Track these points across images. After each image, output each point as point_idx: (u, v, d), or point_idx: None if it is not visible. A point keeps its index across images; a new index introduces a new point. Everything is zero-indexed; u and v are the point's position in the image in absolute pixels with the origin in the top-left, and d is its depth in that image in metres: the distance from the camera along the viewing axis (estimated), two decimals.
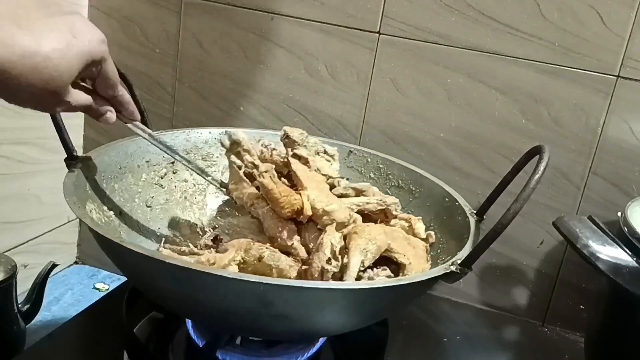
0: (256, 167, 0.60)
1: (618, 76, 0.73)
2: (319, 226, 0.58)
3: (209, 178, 0.65)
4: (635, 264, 0.55)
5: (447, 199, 0.66)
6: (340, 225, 0.58)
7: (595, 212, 0.66)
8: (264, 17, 0.84)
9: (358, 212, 0.63)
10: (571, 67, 0.74)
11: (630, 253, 0.56)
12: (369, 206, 0.63)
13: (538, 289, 0.82)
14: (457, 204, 0.64)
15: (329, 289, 0.45)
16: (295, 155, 0.64)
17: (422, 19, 0.78)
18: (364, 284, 0.50)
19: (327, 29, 0.82)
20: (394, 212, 0.64)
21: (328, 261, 0.52)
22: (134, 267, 0.50)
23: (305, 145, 0.66)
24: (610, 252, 0.56)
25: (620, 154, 0.75)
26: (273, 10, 0.83)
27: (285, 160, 0.65)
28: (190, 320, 0.61)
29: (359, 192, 0.67)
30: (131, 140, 0.66)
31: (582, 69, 0.74)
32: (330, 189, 0.70)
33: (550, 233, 0.79)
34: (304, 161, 0.64)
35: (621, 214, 0.62)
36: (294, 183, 0.62)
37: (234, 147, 0.63)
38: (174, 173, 0.69)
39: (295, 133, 0.66)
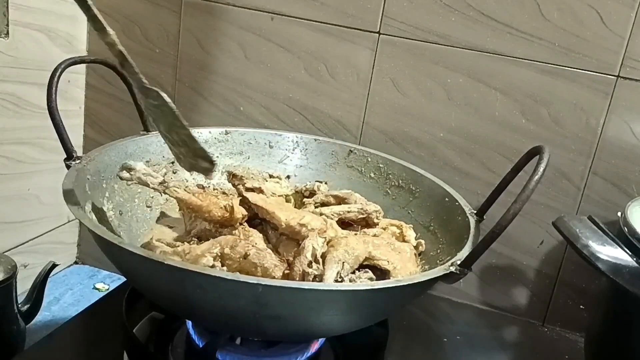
0: (165, 185, 0.59)
1: (618, 76, 0.73)
2: (300, 242, 0.57)
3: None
4: (635, 264, 0.55)
5: (447, 199, 0.66)
6: (320, 232, 0.58)
7: (595, 212, 0.67)
8: (264, 17, 0.84)
9: (339, 220, 0.64)
10: (571, 67, 0.74)
11: (630, 253, 0.56)
12: (350, 215, 0.64)
13: (538, 289, 0.82)
14: (457, 204, 0.64)
15: (328, 290, 0.45)
16: (248, 189, 0.65)
17: (422, 19, 0.78)
18: (362, 285, 0.50)
19: (327, 29, 0.82)
20: (376, 220, 0.64)
21: (309, 264, 0.52)
22: (131, 267, 0.50)
23: (252, 177, 0.67)
24: (610, 252, 0.56)
25: (620, 154, 0.75)
26: (273, 11, 0.83)
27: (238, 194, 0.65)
28: (190, 321, 0.61)
29: (340, 200, 0.67)
30: (131, 140, 0.66)
31: (582, 69, 0.74)
32: (310, 195, 0.70)
33: (550, 233, 0.79)
34: (259, 191, 0.65)
35: (621, 214, 0.62)
36: (257, 215, 0.62)
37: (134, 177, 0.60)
38: (174, 173, 0.69)
39: (239, 170, 0.68)
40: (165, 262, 0.43)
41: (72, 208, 0.50)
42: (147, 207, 0.66)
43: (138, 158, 0.66)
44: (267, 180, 0.70)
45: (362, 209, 0.64)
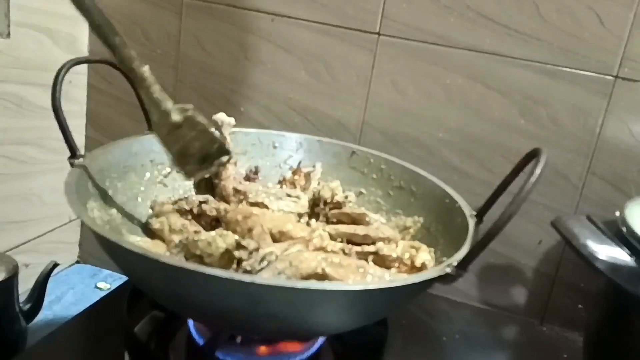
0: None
1: (616, 77, 0.73)
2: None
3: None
4: (634, 264, 0.55)
5: (447, 200, 0.66)
6: (304, 241, 0.56)
7: (593, 212, 0.67)
8: (264, 19, 0.84)
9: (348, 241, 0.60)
10: (570, 68, 0.75)
11: (628, 252, 0.56)
12: (355, 238, 0.60)
13: (536, 288, 0.83)
14: (457, 205, 0.64)
15: (322, 290, 0.45)
16: (252, 204, 0.64)
17: (422, 20, 0.78)
18: (357, 286, 0.50)
19: (326, 30, 0.82)
20: (381, 253, 0.59)
21: (244, 250, 0.51)
22: (129, 264, 0.50)
23: (257, 192, 0.66)
24: (609, 252, 0.56)
25: (618, 154, 0.75)
26: (273, 12, 0.84)
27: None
28: (189, 319, 0.61)
29: (353, 219, 0.63)
30: (135, 140, 0.66)
31: (580, 70, 0.74)
32: (325, 204, 0.67)
33: (549, 233, 0.79)
34: (262, 205, 0.64)
35: (619, 214, 0.62)
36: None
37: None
38: (177, 172, 0.70)
39: (242, 186, 0.67)
40: (161, 260, 0.43)
41: (73, 205, 0.50)
42: (151, 207, 0.66)
43: (142, 157, 0.66)
44: (281, 199, 0.67)
45: (366, 234, 0.60)
